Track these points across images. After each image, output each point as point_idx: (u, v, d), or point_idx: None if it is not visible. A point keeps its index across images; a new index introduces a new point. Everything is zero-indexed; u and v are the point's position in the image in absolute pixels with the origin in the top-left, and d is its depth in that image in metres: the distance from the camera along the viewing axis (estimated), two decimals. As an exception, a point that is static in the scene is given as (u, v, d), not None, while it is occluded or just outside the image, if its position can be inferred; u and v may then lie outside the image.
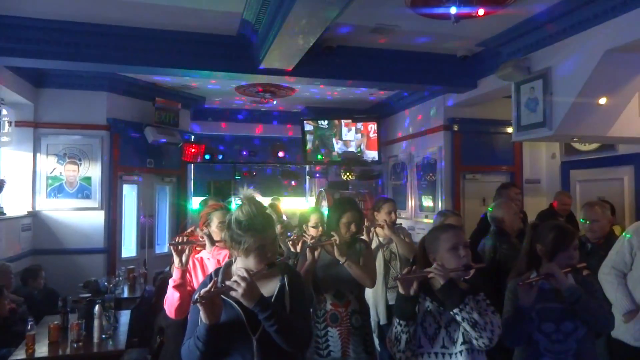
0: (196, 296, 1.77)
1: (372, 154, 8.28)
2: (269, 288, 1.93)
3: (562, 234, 2.39)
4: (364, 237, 3.66)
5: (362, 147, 8.29)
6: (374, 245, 3.91)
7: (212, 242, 2.73)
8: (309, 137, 8.40)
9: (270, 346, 1.85)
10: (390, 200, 4.24)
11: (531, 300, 2.23)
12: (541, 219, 5.19)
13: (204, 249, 2.80)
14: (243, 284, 1.76)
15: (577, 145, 6.41)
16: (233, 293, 1.79)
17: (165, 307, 2.68)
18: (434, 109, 7.02)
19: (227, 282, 1.81)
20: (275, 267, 1.93)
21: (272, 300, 1.89)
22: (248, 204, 1.92)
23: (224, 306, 1.86)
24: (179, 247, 2.58)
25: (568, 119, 4.56)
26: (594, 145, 6.13)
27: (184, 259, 2.58)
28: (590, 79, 4.29)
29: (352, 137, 8.32)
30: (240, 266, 1.92)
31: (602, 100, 4.49)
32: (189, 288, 2.70)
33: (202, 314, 1.77)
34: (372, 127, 8.26)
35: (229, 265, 2.01)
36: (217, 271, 2.01)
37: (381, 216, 4.04)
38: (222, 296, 1.83)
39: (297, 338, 1.88)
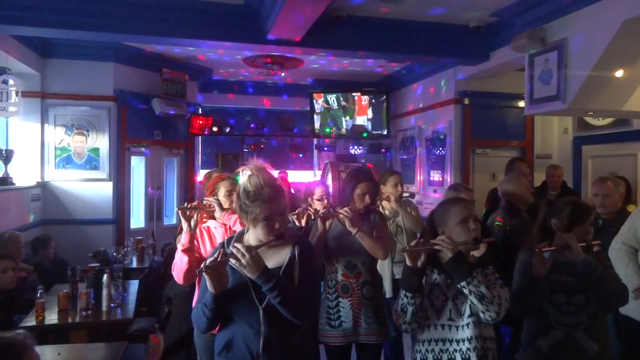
0: (202, 265, 1.79)
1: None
2: (279, 259, 1.94)
3: (579, 209, 2.39)
4: None
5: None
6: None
7: (222, 207, 2.75)
8: (317, 113, 8.31)
9: (277, 316, 1.86)
10: (397, 173, 4.19)
11: (545, 271, 2.21)
12: (535, 195, 5.10)
13: (212, 218, 2.82)
14: (247, 256, 1.78)
15: (590, 120, 6.28)
16: (237, 264, 1.80)
17: (174, 272, 2.70)
18: (445, 81, 6.90)
19: (233, 251, 1.82)
20: (284, 238, 1.92)
21: (281, 271, 1.89)
22: (256, 175, 1.92)
23: (233, 274, 1.88)
24: (187, 213, 2.60)
25: (583, 92, 4.45)
26: (608, 120, 6.01)
27: (192, 223, 2.61)
28: (607, 50, 4.16)
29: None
30: (252, 236, 1.93)
31: (619, 73, 4.37)
32: (196, 255, 2.72)
33: (208, 283, 1.80)
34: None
35: (241, 234, 2.02)
36: (229, 240, 2.02)
37: (387, 189, 3.99)
38: (232, 265, 1.84)
39: (302, 310, 1.88)
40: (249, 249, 1.80)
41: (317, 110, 8.29)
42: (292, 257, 1.93)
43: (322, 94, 8.27)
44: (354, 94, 8.22)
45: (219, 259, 1.81)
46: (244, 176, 2.01)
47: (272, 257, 1.93)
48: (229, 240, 2.02)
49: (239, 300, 1.89)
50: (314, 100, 8.32)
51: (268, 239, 1.89)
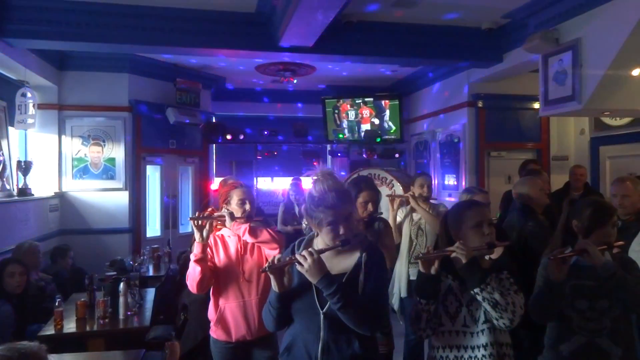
0: (266, 265, 1.88)
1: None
2: (346, 265, 1.94)
3: (600, 210, 2.33)
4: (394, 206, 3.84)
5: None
6: (402, 215, 4.02)
7: (232, 217, 2.74)
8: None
9: (338, 322, 1.85)
10: (423, 175, 4.28)
11: (562, 276, 2.17)
12: (555, 198, 5.04)
13: (224, 225, 2.81)
14: (309, 259, 1.80)
15: (607, 120, 6.18)
16: (299, 267, 1.83)
17: (188, 282, 2.71)
18: (458, 84, 6.86)
19: (296, 255, 1.86)
20: (349, 244, 1.91)
21: (345, 277, 1.89)
22: (322, 180, 1.93)
23: (300, 278, 1.91)
24: (199, 222, 2.60)
25: (598, 92, 4.38)
26: (625, 120, 5.90)
27: (204, 233, 2.60)
28: (623, 49, 4.10)
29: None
30: (320, 241, 1.96)
31: (636, 72, 4.30)
32: (209, 264, 2.72)
33: (272, 282, 1.88)
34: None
35: (311, 238, 2.03)
36: (299, 243, 2.05)
37: (415, 190, 4.08)
38: (297, 268, 1.88)
39: (363, 318, 1.84)
40: (312, 253, 1.82)
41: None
42: (357, 264, 1.92)
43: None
44: (366, 99, 8.21)
45: (282, 261, 1.88)
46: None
47: (340, 263, 1.93)
48: (300, 242, 2.05)
49: (302, 303, 1.92)
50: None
51: (333, 244, 1.90)
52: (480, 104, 6.57)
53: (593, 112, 5.26)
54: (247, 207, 2.82)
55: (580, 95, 4.49)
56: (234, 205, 2.84)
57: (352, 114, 8.31)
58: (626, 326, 2.28)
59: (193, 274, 2.65)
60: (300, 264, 1.81)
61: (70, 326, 3.54)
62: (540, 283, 2.32)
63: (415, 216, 4.06)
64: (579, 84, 4.49)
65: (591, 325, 2.23)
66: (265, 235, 2.75)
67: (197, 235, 2.62)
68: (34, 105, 5.60)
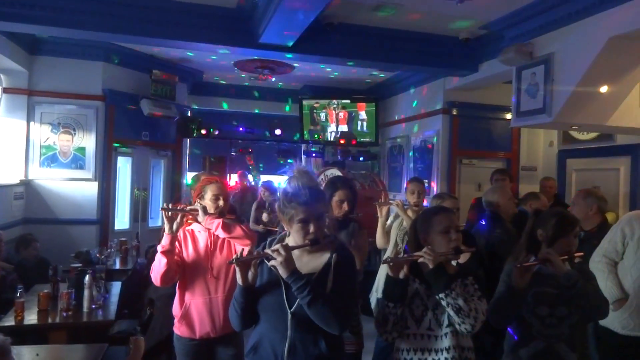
0: (234, 257, 1.87)
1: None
2: (314, 264, 1.94)
3: (564, 221, 2.42)
4: (382, 213, 3.77)
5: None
6: (391, 219, 3.94)
7: (205, 212, 2.72)
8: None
9: (305, 322, 1.85)
10: (414, 181, 4.12)
11: (524, 283, 2.24)
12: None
13: (195, 220, 2.79)
14: (283, 253, 1.81)
15: (575, 134, 6.37)
16: (271, 261, 1.84)
17: (152, 274, 2.66)
18: (433, 91, 6.96)
19: (267, 250, 1.87)
20: (319, 244, 1.91)
21: (314, 277, 1.89)
22: (297, 177, 1.94)
23: (270, 276, 1.92)
24: (170, 214, 2.57)
25: (568, 106, 4.52)
26: (592, 135, 6.10)
27: (174, 225, 2.57)
28: (592, 66, 4.24)
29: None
30: (291, 239, 1.95)
31: (604, 89, 4.44)
32: (176, 258, 2.68)
33: (237, 275, 1.87)
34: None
35: (283, 238, 2.03)
36: (271, 241, 2.04)
37: (407, 196, 4.01)
38: (272, 268, 1.88)
39: (332, 316, 1.83)
40: (285, 247, 1.82)
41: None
42: (327, 265, 1.92)
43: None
44: (343, 101, 8.26)
45: (251, 254, 1.87)
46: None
47: (309, 263, 1.93)
48: (272, 241, 2.04)
49: (270, 301, 1.90)
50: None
51: (303, 242, 1.90)
52: (454, 112, 6.68)
53: (562, 126, 5.41)
54: (221, 203, 2.80)
55: (551, 108, 4.62)
56: (208, 201, 2.82)
57: (328, 116, 8.35)
58: (582, 333, 2.38)
59: (158, 266, 2.61)
60: (272, 257, 1.82)
61: (31, 317, 3.44)
62: (501, 289, 2.39)
63: (405, 221, 4.03)
64: (550, 97, 4.62)
65: (550, 331, 2.31)
66: (238, 231, 2.74)
67: (166, 227, 2.58)
68: (1, 89, 5.43)
